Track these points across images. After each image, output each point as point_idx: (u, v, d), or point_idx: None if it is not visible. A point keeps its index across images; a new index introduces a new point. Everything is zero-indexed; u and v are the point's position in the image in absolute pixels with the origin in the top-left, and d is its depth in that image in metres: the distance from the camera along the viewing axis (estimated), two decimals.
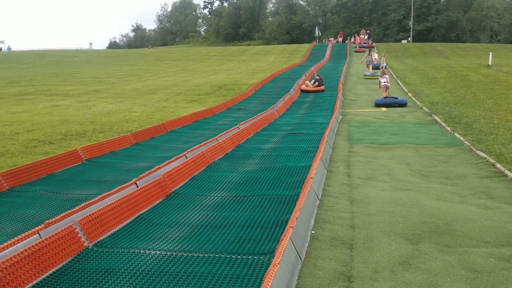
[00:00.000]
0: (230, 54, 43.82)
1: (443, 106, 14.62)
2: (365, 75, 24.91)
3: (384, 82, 17.03)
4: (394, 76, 24.11)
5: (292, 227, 4.05)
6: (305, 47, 45.59)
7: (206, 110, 13.89)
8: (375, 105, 15.55)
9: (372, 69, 25.68)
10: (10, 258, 3.42)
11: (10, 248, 3.63)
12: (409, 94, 18.18)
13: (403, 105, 15.29)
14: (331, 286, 3.49)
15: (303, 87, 19.55)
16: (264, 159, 8.00)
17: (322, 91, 19.25)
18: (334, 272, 3.69)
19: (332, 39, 53.66)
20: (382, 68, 19.08)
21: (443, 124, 11.46)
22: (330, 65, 30.77)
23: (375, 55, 28.25)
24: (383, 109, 15.02)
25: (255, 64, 34.49)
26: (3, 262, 3.33)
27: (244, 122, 11.16)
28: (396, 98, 15.77)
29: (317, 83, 19.63)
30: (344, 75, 24.61)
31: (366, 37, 46.46)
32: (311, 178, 5.75)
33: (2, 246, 3.60)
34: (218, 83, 22.22)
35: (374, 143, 9.52)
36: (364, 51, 37.03)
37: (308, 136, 10.11)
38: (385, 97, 16.00)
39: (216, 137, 8.91)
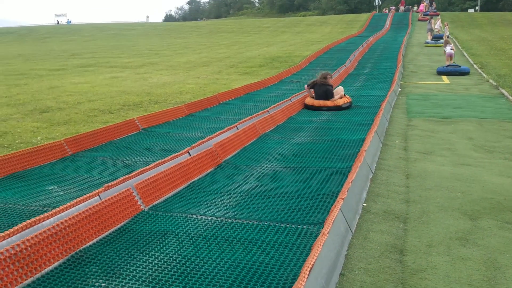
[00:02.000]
0: (284, 25, 43.27)
1: (511, 79, 13.82)
2: (426, 42, 23.98)
3: (448, 50, 16.38)
4: (460, 47, 22.98)
5: (343, 199, 4.01)
6: (364, 17, 44.24)
7: (258, 82, 13.86)
8: (437, 73, 15.05)
9: (434, 38, 24.68)
10: (73, 217, 3.60)
11: (73, 208, 3.82)
12: (474, 66, 17.31)
13: (465, 73, 14.68)
14: (382, 258, 3.44)
15: (308, 100, 10.34)
16: (316, 131, 7.92)
17: (338, 108, 9.91)
18: (386, 245, 3.63)
19: (393, 8, 51.65)
20: (445, 37, 18.30)
21: (511, 98, 10.87)
22: (390, 36, 29.73)
23: (438, 23, 27.10)
24: (446, 81, 14.40)
25: (310, 35, 33.90)
26: (66, 221, 3.51)
27: (296, 94, 11.05)
28: (459, 66, 15.14)
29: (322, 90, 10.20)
30: (405, 46, 23.75)
31: (429, 5, 44.45)
32: (365, 151, 5.64)
33: (65, 206, 3.80)
34: (271, 55, 22.07)
35: (434, 116, 9.19)
36: (428, 20, 35.52)
37: (363, 109, 9.89)
38: (447, 65, 15.43)
39: (268, 109, 8.89)
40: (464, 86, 13.21)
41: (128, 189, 4.34)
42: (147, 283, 3.04)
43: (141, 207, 4.36)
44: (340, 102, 9.96)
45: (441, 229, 3.93)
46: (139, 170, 4.85)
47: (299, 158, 6.25)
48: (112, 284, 3.03)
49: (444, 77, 15.08)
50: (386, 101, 9.84)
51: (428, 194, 4.77)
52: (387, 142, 7.08)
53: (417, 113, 9.51)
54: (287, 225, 3.98)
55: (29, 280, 2.99)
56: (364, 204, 4.47)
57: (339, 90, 10.28)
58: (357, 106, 10.30)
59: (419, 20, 37.72)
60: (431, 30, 24.99)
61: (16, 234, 3.24)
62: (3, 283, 2.82)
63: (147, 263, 3.32)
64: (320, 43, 26.81)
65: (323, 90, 10.10)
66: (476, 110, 9.76)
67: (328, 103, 9.94)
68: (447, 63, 15.95)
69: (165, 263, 3.32)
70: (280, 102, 9.83)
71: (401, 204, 4.50)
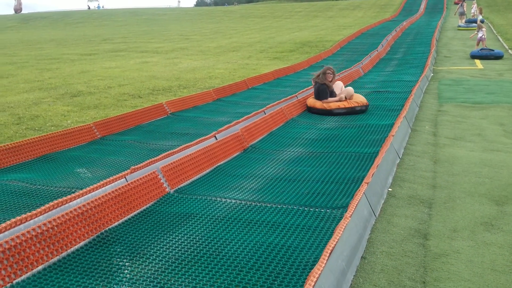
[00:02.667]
0: (316, 10, 42.71)
1: None
2: (459, 26, 23.32)
3: (480, 35, 15.93)
4: (494, 32, 22.22)
5: (367, 183, 3.96)
6: (397, 1, 43.21)
7: (288, 67, 13.76)
8: (471, 56, 14.67)
9: (468, 22, 23.99)
10: (99, 198, 3.69)
11: (100, 190, 3.91)
12: (509, 51, 16.73)
13: (499, 57, 14.26)
14: (406, 242, 3.40)
15: (310, 101, 8.50)
16: (345, 116, 7.83)
17: (328, 112, 8.04)
18: (409, 229, 3.58)
19: None
20: (478, 22, 17.79)
21: None
22: (424, 20, 28.99)
23: (474, 7, 26.27)
24: (480, 66, 13.98)
25: (342, 20, 33.37)
26: (92, 202, 3.60)
27: None
28: (493, 50, 14.70)
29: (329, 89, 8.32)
30: (439, 30, 23.11)
31: None
32: (392, 136, 5.56)
33: (92, 187, 3.89)
34: (302, 40, 21.85)
35: (466, 102, 8.95)
36: (460, 3, 34.50)
37: (393, 94, 9.71)
38: (481, 49, 15.03)
39: (296, 94, 8.83)
40: (497, 71, 12.79)
41: (153, 172, 4.41)
42: (170, 263, 3.09)
43: (167, 189, 4.43)
44: (332, 105, 7.95)
45: (466, 214, 3.84)
46: (165, 153, 4.91)
47: (326, 143, 6.20)
48: (136, 263, 3.09)
49: (478, 62, 14.67)
50: (417, 86, 9.63)
51: (455, 180, 4.66)
52: (416, 127, 6.95)
53: (449, 99, 9.28)
54: (311, 209, 3.97)
55: (55, 259, 3.09)
56: (389, 189, 4.41)
57: (345, 91, 8.24)
58: (387, 91, 10.12)
59: (455, 3, 36.62)
60: (462, 13, 24.32)
61: (43, 214, 3.34)
62: (29, 261, 2.92)
63: (170, 244, 3.38)
64: (352, 28, 26.37)
65: (316, 89, 8.36)
66: (509, 96, 9.45)
67: (317, 104, 8.10)
68: (477, 47, 15.57)
69: (189, 244, 3.37)
70: (309, 87, 9.74)
71: (427, 189, 4.42)
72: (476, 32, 16.82)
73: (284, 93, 9.90)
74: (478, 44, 16.52)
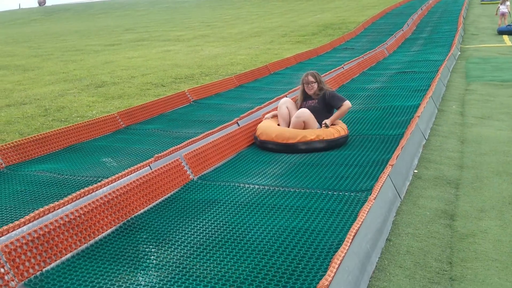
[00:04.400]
0: None
1: None
2: (482, 0, 22.66)
3: (502, 9, 15.43)
4: None
5: (392, 165, 3.91)
6: None
7: (310, 51, 13.62)
8: (498, 32, 14.25)
9: None
10: (124, 186, 3.74)
11: (125, 178, 3.96)
12: None
13: None
14: (431, 223, 3.35)
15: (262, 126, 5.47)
16: (369, 99, 7.72)
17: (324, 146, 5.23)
18: (436, 210, 3.53)
19: None
20: None
21: None
22: None
23: None
24: (508, 43, 13.56)
25: (366, 0, 32.76)
26: (118, 190, 3.66)
27: (349, 61, 10.78)
28: None
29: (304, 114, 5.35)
30: (466, 8, 22.47)
31: None
32: (418, 116, 5.45)
33: (118, 175, 3.95)
34: (324, 22, 21.56)
35: (494, 80, 8.70)
36: None
37: (419, 74, 9.51)
38: (508, 25, 14.57)
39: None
40: None
41: (177, 159, 4.44)
42: (195, 249, 3.13)
43: (190, 176, 4.46)
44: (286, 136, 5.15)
45: (494, 194, 3.76)
46: (188, 140, 4.94)
47: (350, 126, 6.12)
48: (162, 249, 3.13)
49: (506, 39, 14.22)
50: (444, 65, 9.41)
51: (482, 159, 4.56)
52: (443, 107, 6.80)
53: (476, 77, 9.04)
54: (334, 193, 3.94)
55: (83, 246, 3.16)
56: (415, 171, 4.34)
57: (298, 118, 5.28)
58: (412, 71, 9.92)
59: None
60: None
61: (71, 202, 3.41)
62: (58, 249, 3.00)
63: (195, 230, 3.41)
64: (376, 8, 25.86)
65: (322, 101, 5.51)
66: None
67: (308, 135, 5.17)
68: (499, 23, 15.09)
69: (213, 230, 3.40)
70: (332, 70, 9.64)
71: (454, 169, 4.33)
72: (499, 5, 16.27)
73: None
74: (501, 19, 15.97)
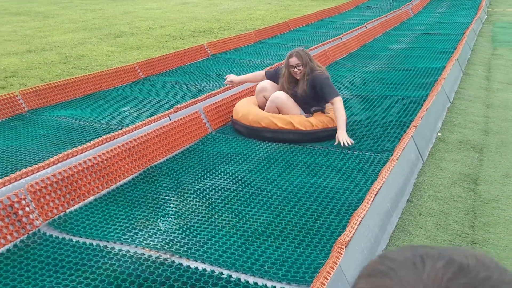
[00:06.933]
0: None
1: None
2: None
3: None
4: None
5: (416, 127, 3.84)
6: None
7: (332, 8, 13.26)
8: None
9: None
10: (145, 135, 3.75)
11: (145, 127, 3.96)
12: None
13: None
14: (454, 186, 3.30)
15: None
16: (392, 59, 7.54)
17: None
18: (458, 174, 3.48)
19: None
20: None
21: None
22: None
23: None
24: None
25: None
26: (138, 138, 3.66)
27: (372, 21, 10.48)
28: None
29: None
30: None
31: None
32: (443, 79, 5.32)
33: (138, 125, 3.95)
34: None
35: None
36: None
37: (445, 36, 9.24)
38: None
39: (340, 36, 8.53)
40: None
41: (196, 112, 4.42)
42: (214, 199, 3.14)
43: (209, 129, 4.44)
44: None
45: None
46: (207, 94, 4.90)
47: (371, 86, 6.01)
48: (181, 198, 3.15)
49: None
50: (471, 28, 9.12)
51: (508, 125, 4.46)
52: (469, 71, 6.62)
53: (503, 42, 8.76)
54: (354, 152, 3.90)
55: (105, 191, 3.18)
56: (439, 133, 4.26)
57: (271, 102, 4.35)
58: (438, 33, 9.64)
59: None
60: None
61: (93, 148, 3.42)
62: (81, 191, 3.03)
63: (213, 181, 3.41)
64: None
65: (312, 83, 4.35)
66: None
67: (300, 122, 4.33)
68: None
69: (231, 182, 3.40)
70: (355, 29, 9.40)
71: (479, 134, 4.25)
72: None
73: (328, 35, 9.58)
74: None
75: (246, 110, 4.31)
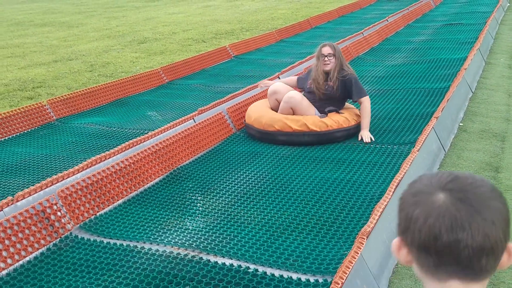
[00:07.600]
0: None
1: None
2: None
3: None
4: None
5: (437, 118, 3.85)
6: None
7: (353, 3, 13.22)
8: None
9: None
10: (170, 138, 3.87)
11: (170, 130, 4.09)
12: None
13: None
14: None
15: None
16: (414, 52, 7.51)
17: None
18: (480, 163, 3.48)
19: None
20: None
21: None
22: None
23: None
24: None
25: None
26: (164, 141, 3.79)
27: (393, 14, 10.43)
28: None
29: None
30: None
31: None
32: (465, 69, 5.29)
33: (163, 128, 4.08)
34: None
35: None
36: None
37: (466, 26, 9.12)
38: None
39: (362, 31, 8.53)
40: None
41: (220, 113, 4.52)
42: (239, 197, 3.23)
43: (233, 130, 4.54)
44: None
45: None
46: (230, 95, 5.00)
47: (393, 80, 6.02)
48: (208, 197, 3.26)
49: None
50: (493, 17, 8.98)
51: None
52: (491, 60, 6.54)
53: None
54: (377, 146, 3.93)
55: (134, 193, 3.32)
56: (461, 124, 4.26)
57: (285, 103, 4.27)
58: (459, 23, 9.52)
59: None
60: None
61: (121, 152, 3.56)
62: (111, 195, 3.17)
63: (239, 180, 3.51)
64: None
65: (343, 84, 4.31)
66: None
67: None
68: None
69: (255, 180, 3.49)
70: (376, 23, 9.37)
71: (501, 123, 4.22)
72: None
73: (349, 31, 9.58)
74: None
75: (259, 114, 4.23)
